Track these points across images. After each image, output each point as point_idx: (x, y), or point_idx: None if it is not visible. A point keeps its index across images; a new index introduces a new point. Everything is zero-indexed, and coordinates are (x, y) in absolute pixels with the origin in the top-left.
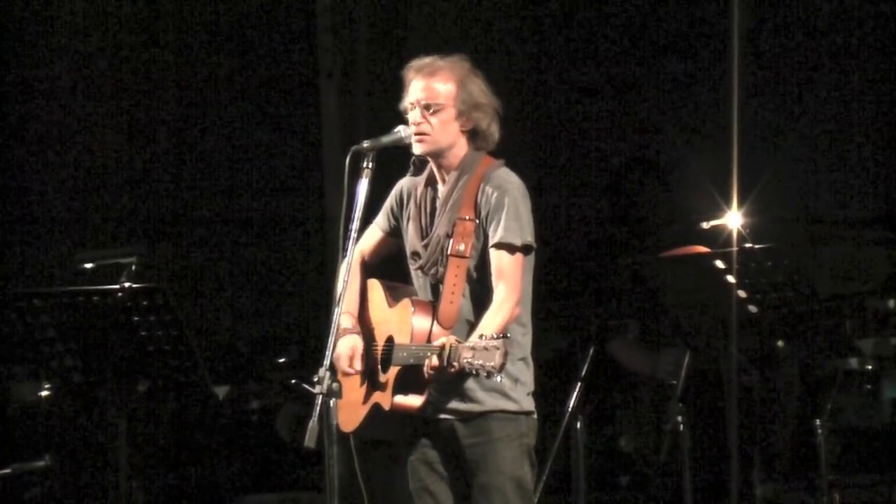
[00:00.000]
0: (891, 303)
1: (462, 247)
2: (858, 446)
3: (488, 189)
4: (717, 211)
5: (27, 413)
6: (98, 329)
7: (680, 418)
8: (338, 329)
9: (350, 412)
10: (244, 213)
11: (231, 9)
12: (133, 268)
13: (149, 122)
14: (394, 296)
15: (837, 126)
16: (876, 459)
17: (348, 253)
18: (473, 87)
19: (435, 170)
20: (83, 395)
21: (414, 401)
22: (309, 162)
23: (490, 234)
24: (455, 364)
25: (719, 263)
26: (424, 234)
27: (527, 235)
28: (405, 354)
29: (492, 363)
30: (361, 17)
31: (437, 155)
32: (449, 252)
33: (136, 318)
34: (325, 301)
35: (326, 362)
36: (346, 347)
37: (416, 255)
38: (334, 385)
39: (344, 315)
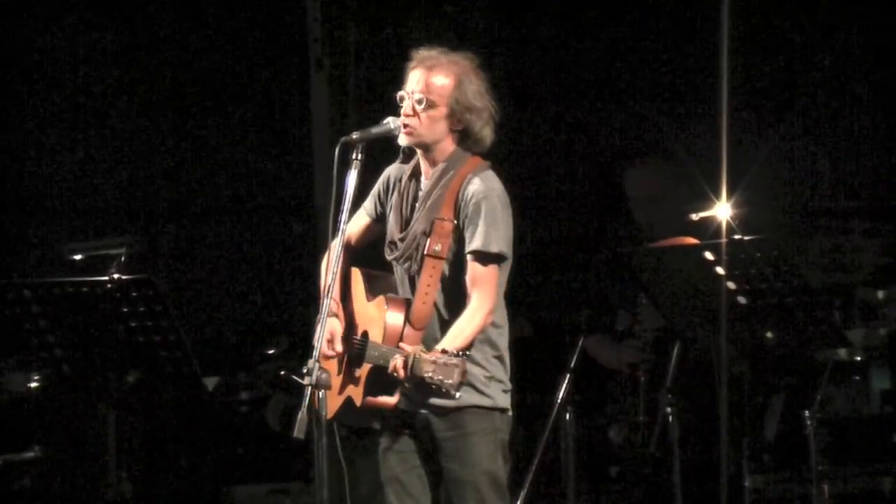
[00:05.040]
0: (880, 293)
1: (438, 247)
2: (848, 437)
3: (469, 191)
4: (706, 202)
5: (16, 404)
6: (88, 320)
7: (669, 409)
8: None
9: (329, 399)
10: (233, 204)
11: (221, 1)
12: (122, 259)
13: (139, 113)
14: (372, 288)
15: (827, 116)
16: (865, 450)
17: (335, 244)
18: (471, 87)
19: (421, 161)
20: (73, 386)
21: (385, 400)
22: (298, 153)
23: (467, 239)
24: (417, 374)
25: (709, 255)
26: (404, 226)
27: (502, 245)
28: (376, 354)
29: (450, 380)
30: (351, 9)
31: (423, 148)
32: (425, 252)
33: (125, 310)
34: (314, 292)
35: (315, 353)
36: (325, 331)
37: (392, 244)
38: (323, 376)
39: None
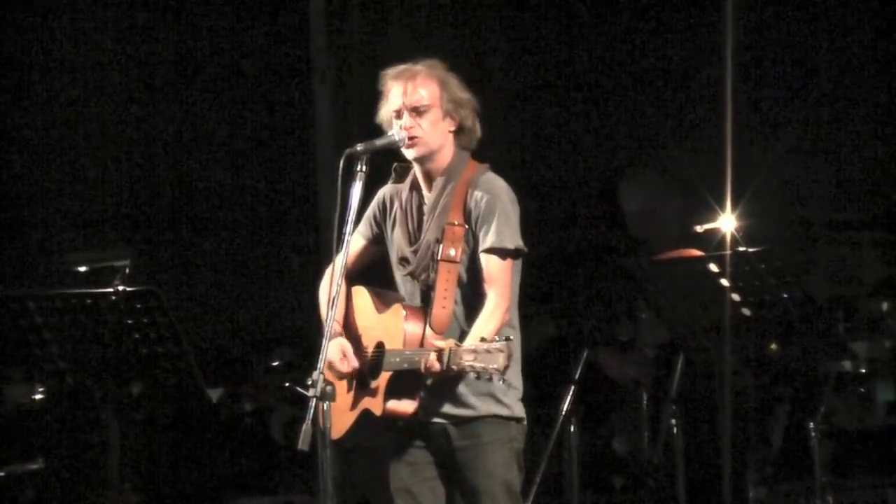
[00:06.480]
0: (884, 305)
1: (452, 252)
2: (852, 449)
3: (477, 194)
4: (701, 214)
5: (21, 415)
6: (92, 332)
7: (673, 420)
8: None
9: (337, 419)
10: (238, 216)
11: (226, 13)
12: (126, 270)
13: (143, 124)
14: (382, 302)
15: (831, 128)
16: (869, 462)
17: (337, 257)
18: (454, 85)
19: (420, 175)
20: (77, 398)
21: (406, 406)
22: (303, 165)
23: (481, 238)
24: (454, 366)
25: (713, 267)
26: (413, 239)
27: (517, 240)
28: (398, 359)
29: (495, 365)
30: (355, 21)
31: (427, 159)
32: (439, 257)
33: (129, 321)
34: (318, 304)
35: (320, 365)
36: (335, 350)
37: (404, 260)
38: (328, 388)
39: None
